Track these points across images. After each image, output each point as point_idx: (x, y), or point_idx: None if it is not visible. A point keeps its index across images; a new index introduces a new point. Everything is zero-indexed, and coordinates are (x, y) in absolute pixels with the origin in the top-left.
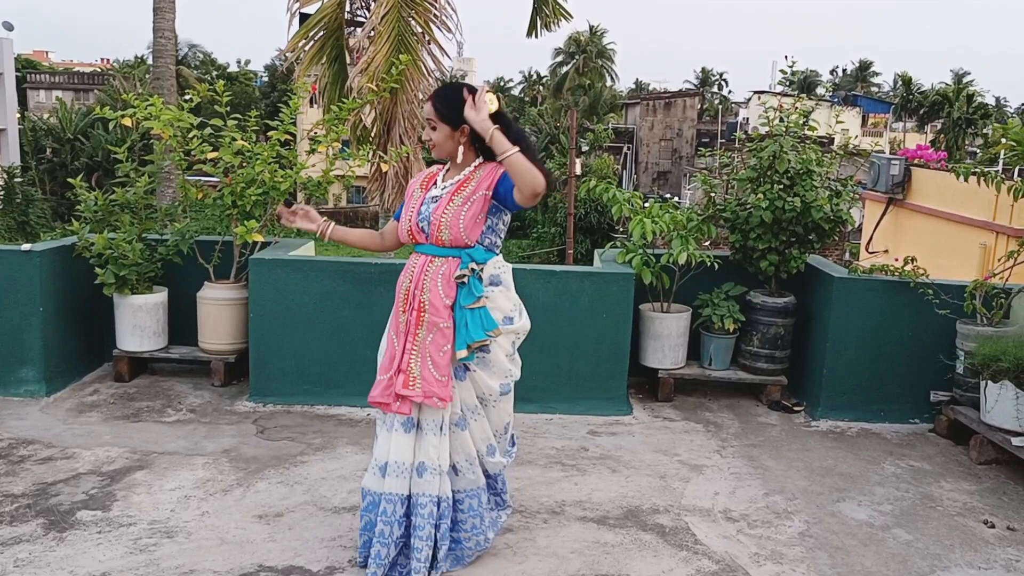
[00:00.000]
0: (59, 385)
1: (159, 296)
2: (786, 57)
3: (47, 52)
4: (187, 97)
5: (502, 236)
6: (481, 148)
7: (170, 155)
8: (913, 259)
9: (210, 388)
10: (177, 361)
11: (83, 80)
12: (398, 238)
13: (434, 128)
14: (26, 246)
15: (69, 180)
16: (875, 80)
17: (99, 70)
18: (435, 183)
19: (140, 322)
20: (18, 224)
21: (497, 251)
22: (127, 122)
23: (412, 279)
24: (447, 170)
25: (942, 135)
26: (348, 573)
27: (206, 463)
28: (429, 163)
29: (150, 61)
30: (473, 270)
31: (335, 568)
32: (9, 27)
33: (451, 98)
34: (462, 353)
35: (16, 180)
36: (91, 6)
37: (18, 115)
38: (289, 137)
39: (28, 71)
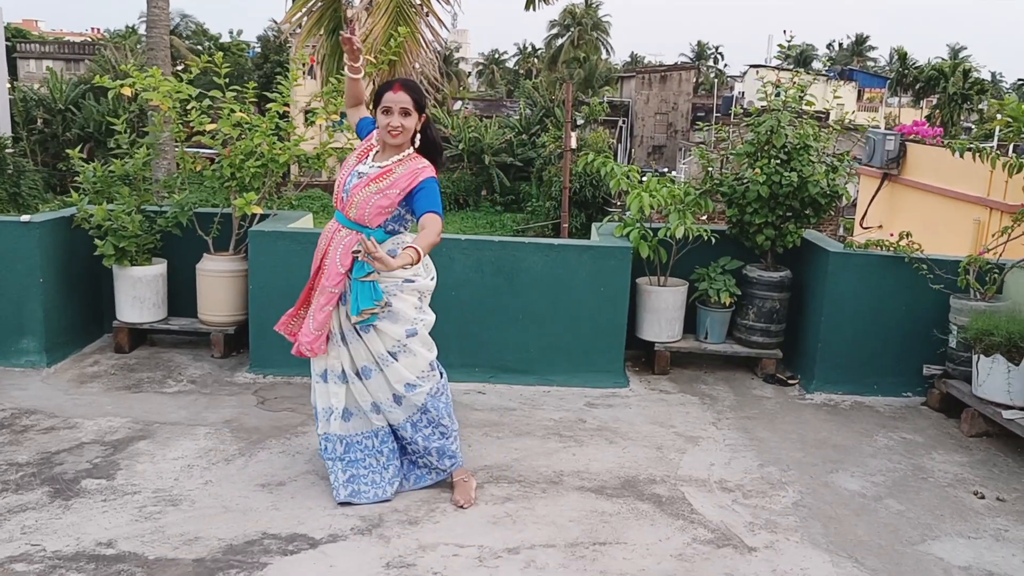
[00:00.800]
0: (60, 356)
1: (158, 268)
2: (784, 32)
3: (36, 21)
4: (182, 68)
5: (407, 225)
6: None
7: (169, 127)
8: (908, 234)
9: (209, 359)
10: (177, 333)
11: (74, 50)
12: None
13: (408, 115)
14: (25, 217)
15: (66, 151)
16: (871, 54)
17: (89, 40)
18: (367, 157)
19: (139, 293)
20: (9, 195)
21: (403, 230)
22: (126, 91)
23: (325, 240)
24: (379, 149)
25: (937, 110)
26: (351, 541)
27: (208, 433)
28: None
29: (141, 31)
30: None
31: (338, 535)
32: None
33: (419, 88)
34: (355, 318)
35: (7, 151)
36: None
37: (8, 85)
38: (287, 109)
39: (18, 40)
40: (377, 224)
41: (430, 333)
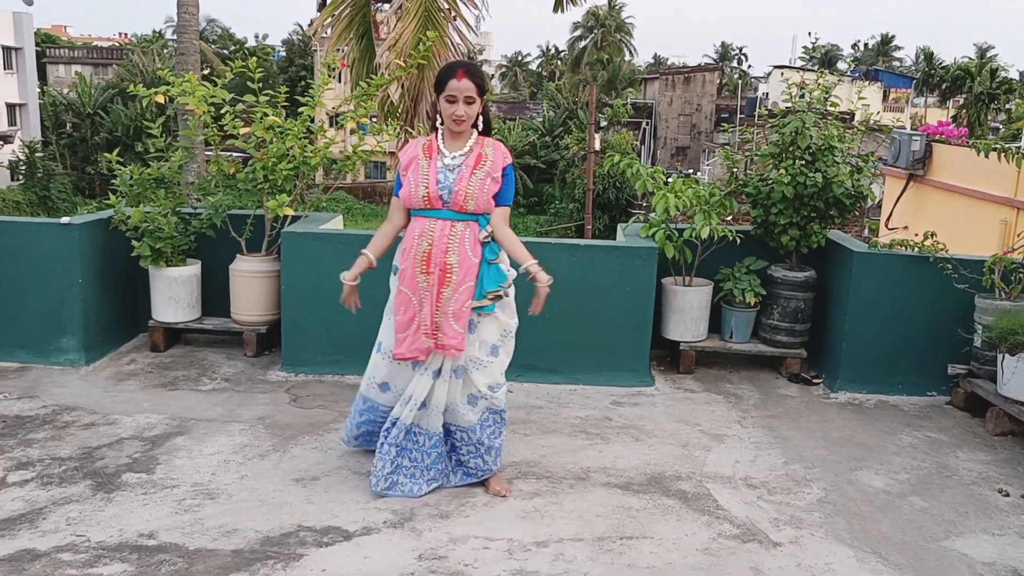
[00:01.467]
0: (98, 354)
1: (193, 268)
2: (809, 33)
3: (65, 27)
4: (208, 71)
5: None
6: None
7: (205, 130)
8: (932, 234)
9: (243, 358)
10: (210, 332)
11: (102, 55)
12: (404, 213)
13: (472, 103)
14: (65, 219)
15: (104, 155)
16: (897, 55)
17: (117, 44)
18: (439, 152)
19: (175, 294)
20: (39, 198)
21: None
22: (160, 99)
23: (432, 242)
24: (443, 139)
25: (964, 110)
26: (384, 533)
27: (243, 429)
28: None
29: (168, 35)
30: (491, 233)
31: (371, 528)
32: (29, 2)
33: (481, 72)
34: (481, 302)
35: (37, 155)
36: None
37: (38, 90)
38: (317, 112)
39: (47, 46)
40: (486, 210)
41: None
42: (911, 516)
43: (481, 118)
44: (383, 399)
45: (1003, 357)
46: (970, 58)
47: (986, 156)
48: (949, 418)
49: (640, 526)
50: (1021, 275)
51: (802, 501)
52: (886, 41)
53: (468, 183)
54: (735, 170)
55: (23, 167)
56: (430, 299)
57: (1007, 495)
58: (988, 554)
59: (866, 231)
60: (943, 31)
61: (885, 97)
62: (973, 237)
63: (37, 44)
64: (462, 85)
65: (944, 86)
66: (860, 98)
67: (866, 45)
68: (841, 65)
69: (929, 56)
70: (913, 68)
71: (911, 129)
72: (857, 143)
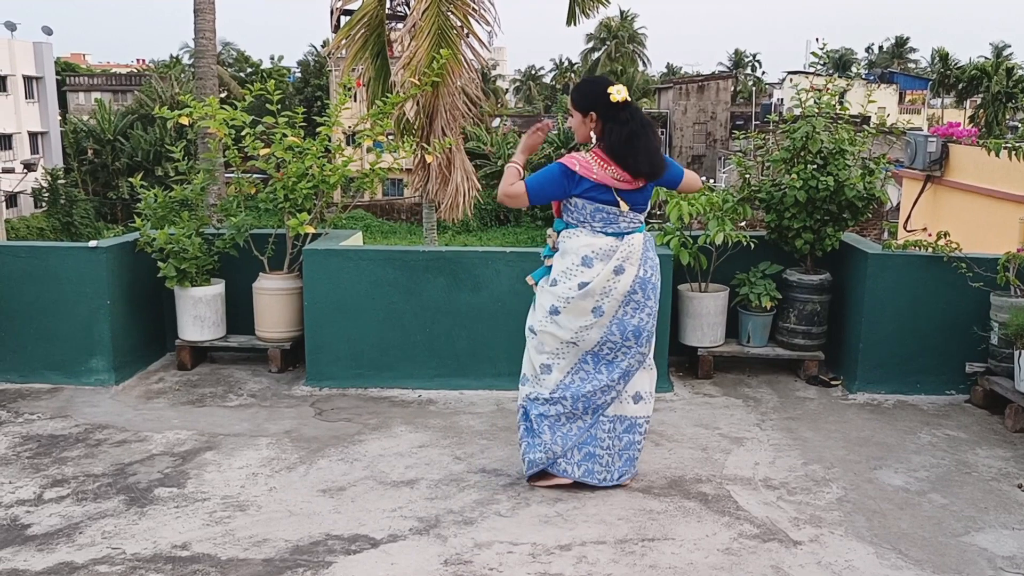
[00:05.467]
0: (127, 374)
1: (217, 288)
2: (817, 39)
3: (84, 55)
4: (225, 95)
5: (575, 216)
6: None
7: (226, 152)
8: (946, 234)
9: (268, 374)
10: (236, 349)
11: (121, 81)
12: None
13: (569, 115)
14: (93, 243)
15: (128, 180)
16: (912, 56)
17: (136, 71)
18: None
19: (200, 313)
20: (63, 224)
21: (575, 223)
22: (184, 121)
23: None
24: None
25: (981, 110)
26: (410, 540)
27: (270, 443)
28: (469, 153)
29: (186, 60)
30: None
31: (397, 536)
32: (48, 31)
33: (581, 88)
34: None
35: (59, 182)
36: (124, 7)
37: (59, 118)
38: (334, 131)
39: (67, 74)
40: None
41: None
42: (931, 513)
43: (593, 133)
44: None
45: (1020, 354)
46: (986, 58)
47: (997, 155)
48: (968, 416)
49: (661, 528)
50: None
51: (822, 500)
52: (901, 43)
53: None
54: (747, 176)
55: (46, 194)
56: None
57: None
58: (1008, 548)
59: (885, 234)
60: (958, 32)
61: (901, 99)
62: (993, 237)
63: (57, 73)
64: (567, 100)
65: (960, 86)
66: (870, 101)
67: (881, 48)
68: (853, 69)
69: (944, 57)
70: (928, 69)
71: (928, 130)
72: (869, 146)
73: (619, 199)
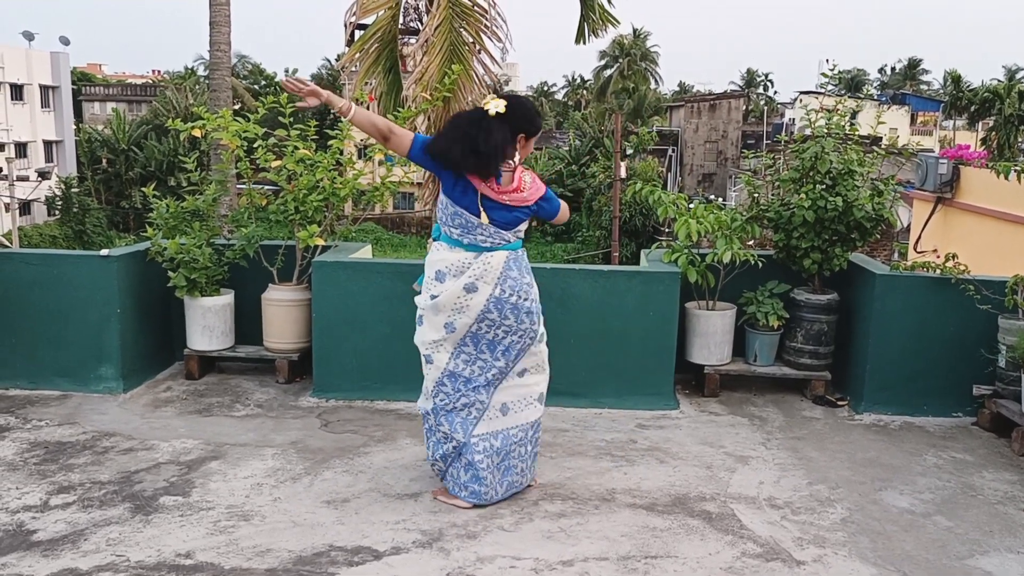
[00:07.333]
0: (135, 382)
1: (226, 298)
2: (827, 60)
3: (100, 65)
4: (239, 107)
5: (440, 215)
6: None
7: (238, 164)
8: (954, 256)
9: (275, 385)
10: (243, 360)
11: (136, 92)
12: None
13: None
14: (104, 252)
15: (141, 189)
16: (925, 78)
17: (151, 82)
18: None
19: (209, 323)
20: (75, 233)
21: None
22: (197, 133)
23: None
24: None
25: (993, 132)
26: (412, 553)
27: (275, 454)
28: None
29: (200, 72)
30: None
31: (400, 548)
32: (65, 42)
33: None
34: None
35: (73, 190)
36: (140, 18)
37: (74, 127)
38: (346, 144)
39: (83, 84)
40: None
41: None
42: (935, 535)
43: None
44: None
45: None
46: (999, 80)
47: (1006, 177)
48: (975, 439)
49: (664, 545)
50: None
51: (826, 521)
52: (913, 65)
53: None
54: (756, 195)
55: (59, 202)
56: None
57: None
58: (1013, 572)
59: (895, 255)
60: (971, 55)
61: (913, 121)
62: (1004, 260)
63: (73, 82)
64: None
65: (972, 108)
66: (881, 123)
67: (893, 69)
68: (866, 89)
69: (956, 79)
70: (941, 91)
71: (940, 152)
72: (878, 167)
73: (481, 209)
